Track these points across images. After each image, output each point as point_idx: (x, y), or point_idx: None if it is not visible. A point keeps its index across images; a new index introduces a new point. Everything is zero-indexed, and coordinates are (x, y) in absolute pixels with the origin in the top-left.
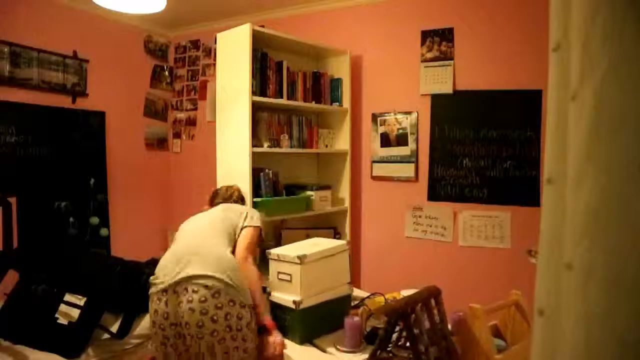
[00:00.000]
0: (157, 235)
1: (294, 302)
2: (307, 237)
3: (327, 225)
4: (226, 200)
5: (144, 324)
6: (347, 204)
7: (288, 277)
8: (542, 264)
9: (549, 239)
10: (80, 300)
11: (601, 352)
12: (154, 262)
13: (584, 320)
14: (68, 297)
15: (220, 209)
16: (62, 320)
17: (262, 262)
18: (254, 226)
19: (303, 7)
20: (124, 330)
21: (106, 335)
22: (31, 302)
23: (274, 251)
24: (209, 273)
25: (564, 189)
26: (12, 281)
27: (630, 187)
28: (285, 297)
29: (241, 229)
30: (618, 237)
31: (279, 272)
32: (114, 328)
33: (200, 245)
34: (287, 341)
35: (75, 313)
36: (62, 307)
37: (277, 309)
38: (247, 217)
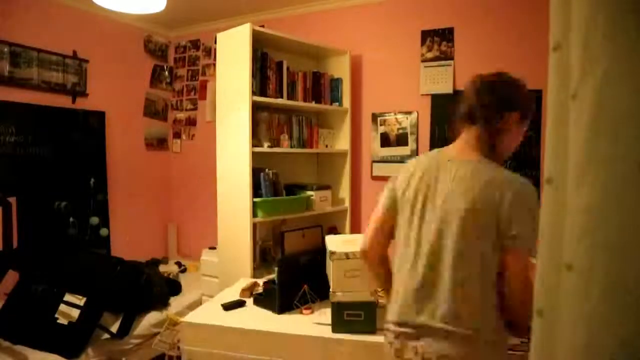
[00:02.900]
0: (157, 235)
1: (372, 293)
2: (303, 237)
3: (329, 225)
4: None
5: (144, 324)
6: (347, 204)
7: (358, 274)
8: (542, 264)
9: (549, 238)
10: (80, 300)
11: (601, 352)
12: (154, 262)
13: (584, 320)
14: (68, 297)
15: None
16: (62, 320)
17: (263, 262)
18: None
19: (303, 7)
20: (124, 330)
21: (106, 335)
22: (31, 302)
23: (340, 250)
24: None
25: (564, 188)
26: (12, 281)
27: (631, 186)
28: (360, 292)
29: None
30: (618, 236)
31: (346, 271)
32: (114, 328)
33: None
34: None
35: (75, 313)
36: (62, 307)
37: (348, 308)
38: None
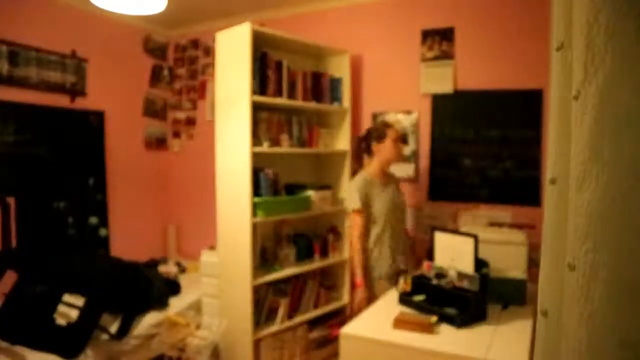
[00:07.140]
0: (156, 235)
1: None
2: None
3: (329, 225)
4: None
5: (143, 324)
6: (347, 204)
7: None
8: (545, 265)
9: (552, 239)
10: (79, 301)
11: (603, 352)
12: (153, 263)
13: (586, 321)
14: (67, 298)
15: None
16: (61, 321)
17: (263, 262)
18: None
19: (303, 7)
20: (123, 331)
21: (105, 336)
22: (30, 303)
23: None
24: None
25: (567, 189)
26: (11, 281)
27: (634, 187)
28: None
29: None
30: (621, 237)
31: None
32: (113, 329)
33: None
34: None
35: (74, 314)
36: (61, 308)
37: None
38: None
